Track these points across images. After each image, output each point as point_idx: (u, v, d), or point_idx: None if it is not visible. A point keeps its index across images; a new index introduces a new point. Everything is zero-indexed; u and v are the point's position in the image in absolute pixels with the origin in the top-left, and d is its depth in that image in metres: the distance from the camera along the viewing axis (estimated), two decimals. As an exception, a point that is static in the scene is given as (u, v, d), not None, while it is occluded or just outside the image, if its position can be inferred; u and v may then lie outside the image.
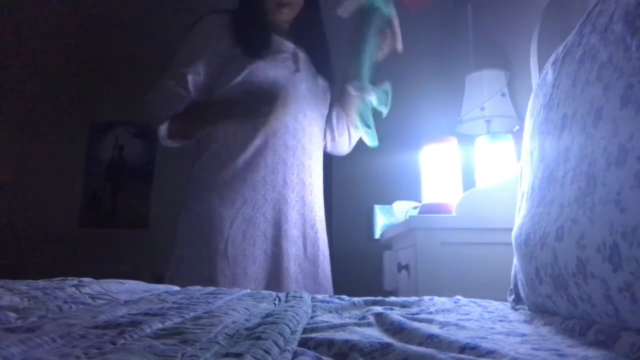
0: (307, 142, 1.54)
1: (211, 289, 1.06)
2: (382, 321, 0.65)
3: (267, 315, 0.62)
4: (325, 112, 1.68)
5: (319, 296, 0.96)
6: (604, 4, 0.65)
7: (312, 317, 0.70)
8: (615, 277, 0.49)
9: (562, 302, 0.63)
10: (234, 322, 0.57)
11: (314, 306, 0.81)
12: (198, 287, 1.10)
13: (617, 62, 0.56)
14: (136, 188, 3.83)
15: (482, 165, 1.82)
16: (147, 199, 3.78)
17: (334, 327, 0.60)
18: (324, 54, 1.69)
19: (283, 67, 1.53)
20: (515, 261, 0.85)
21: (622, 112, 0.53)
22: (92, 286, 0.89)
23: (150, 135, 3.95)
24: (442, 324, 0.65)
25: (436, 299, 0.94)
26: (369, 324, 0.64)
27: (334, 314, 0.77)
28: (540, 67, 1.34)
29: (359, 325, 0.63)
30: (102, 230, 3.72)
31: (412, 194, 2.29)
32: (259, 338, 0.44)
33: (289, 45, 1.59)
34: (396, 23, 1.51)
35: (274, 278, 1.41)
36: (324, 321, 0.65)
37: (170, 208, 3.64)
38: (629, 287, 0.48)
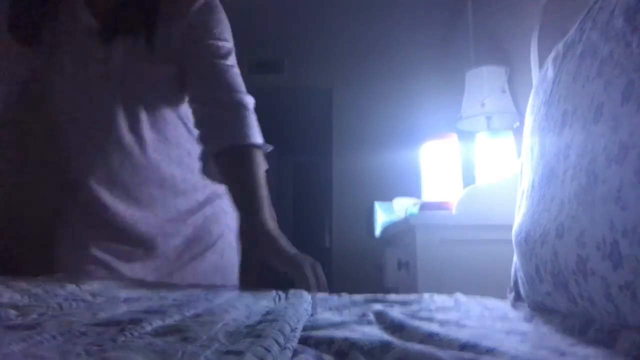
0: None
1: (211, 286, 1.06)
2: (382, 319, 0.65)
3: (267, 313, 0.62)
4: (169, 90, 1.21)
5: (319, 294, 0.96)
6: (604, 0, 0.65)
7: (312, 315, 0.70)
8: (616, 274, 0.49)
9: (562, 300, 0.63)
10: (234, 319, 0.57)
11: (313, 304, 0.81)
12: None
13: (618, 58, 0.56)
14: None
15: (482, 161, 1.82)
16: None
17: (334, 324, 0.60)
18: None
19: (72, 65, 1.16)
20: (515, 259, 0.85)
21: (622, 108, 0.53)
22: (93, 284, 0.89)
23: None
24: (442, 322, 0.65)
25: (436, 296, 0.94)
26: (369, 322, 0.64)
27: (334, 311, 0.77)
28: (541, 63, 1.34)
29: (359, 323, 0.63)
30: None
31: (413, 190, 2.29)
32: (259, 336, 0.44)
33: (87, 21, 1.16)
34: None
35: None
36: (324, 319, 0.65)
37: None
38: (629, 285, 0.48)
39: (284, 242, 1.04)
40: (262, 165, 1.12)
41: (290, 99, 4.54)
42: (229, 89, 1.15)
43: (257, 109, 1.17)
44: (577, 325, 0.57)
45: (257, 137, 1.12)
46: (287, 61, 3.95)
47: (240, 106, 1.14)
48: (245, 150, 1.11)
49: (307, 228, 6.11)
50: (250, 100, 1.16)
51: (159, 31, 1.15)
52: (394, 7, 3.14)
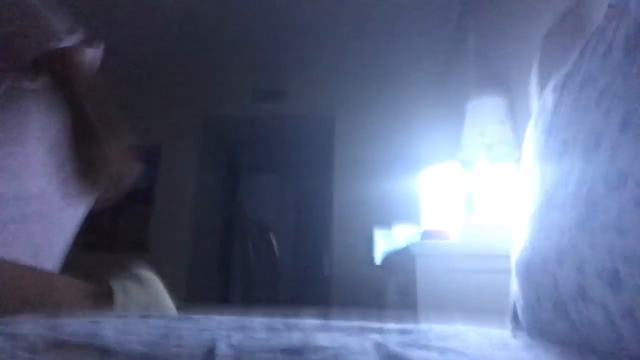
0: None
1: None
2: (379, 348, 0.64)
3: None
4: None
5: (316, 321, 0.94)
6: (604, 30, 0.66)
7: (307, 341, 0.69)
8: (617, 302, 0.49)
9: (563, 327, 0.62)
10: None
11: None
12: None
13: (617, 88, 0.57)
14: (137, 211, 3.82)
15: (482, 191, 1.82)
16: (148, 221, 3.77)
17: (330, 351, 0.60)
18: None
19: None
20: (514, 287, 0.84)
21: (621, 137, 0.53)
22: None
23: (151, 158, 3.96)
24: (441, 351, 0.64)
25: (436, 325, 0.93)
26: (366, 351, 0.63)
27: (331, 338, 0.76)
28: (541, 93, 1.35)
29: (356, 351, 0.62)
30: (102, 254, 3.70)
31: (413, 218, 2.29)
32: None
33: None
34: None
35: None
36: (320, 346, 0.64)
37: (170, 231, 3.64)
38: (630, 313, 0.47)
39: None
40: None
41: (293, 127, 4.57)
42: None
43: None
44: (578, 354, 0.56)
45: None
46: (290, 90, 3.99)
47: None
48: None
49: (307, 255, 6.08)
50: None
51: None
52: (396, 36, 3.19)
